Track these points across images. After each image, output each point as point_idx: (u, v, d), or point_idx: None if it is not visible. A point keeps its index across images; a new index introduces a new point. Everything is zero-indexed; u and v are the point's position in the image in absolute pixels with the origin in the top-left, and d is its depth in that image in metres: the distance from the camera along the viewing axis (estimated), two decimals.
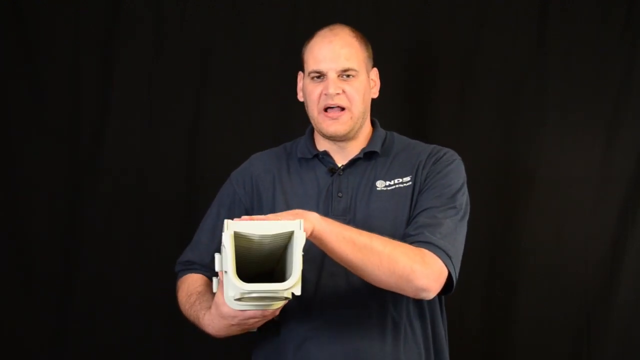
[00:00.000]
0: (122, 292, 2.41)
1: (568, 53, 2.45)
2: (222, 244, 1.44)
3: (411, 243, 1.63)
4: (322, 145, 1.83)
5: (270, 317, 1.58)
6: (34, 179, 2.43)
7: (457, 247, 1.69)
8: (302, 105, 1.87)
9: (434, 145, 1.83)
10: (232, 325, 1.56)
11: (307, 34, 1.84)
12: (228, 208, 1.84)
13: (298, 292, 1.42)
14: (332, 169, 1.79)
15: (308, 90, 1.79)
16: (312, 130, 1.87)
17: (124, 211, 2.45)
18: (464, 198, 1.74)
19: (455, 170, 1.76)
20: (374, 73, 1.86)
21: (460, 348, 2.46)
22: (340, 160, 1.81)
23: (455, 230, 1.69)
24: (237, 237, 1.42)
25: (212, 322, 1.60)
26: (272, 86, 2.47)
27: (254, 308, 1.49)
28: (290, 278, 1.40)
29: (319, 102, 1.77)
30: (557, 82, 2.45)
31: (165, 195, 2.45)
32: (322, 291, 1.69)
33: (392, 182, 1.76)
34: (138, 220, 2.45)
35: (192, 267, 1.85)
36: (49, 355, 2.42)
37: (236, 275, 1.38)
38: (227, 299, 1.50)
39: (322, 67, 1.76)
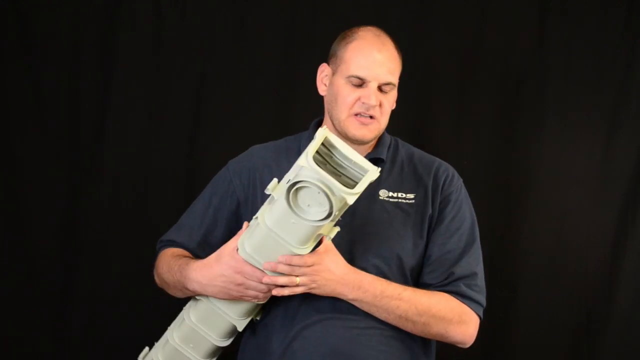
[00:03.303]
0: (122, 293, 2.41)
1: (568, 53, 2.45)
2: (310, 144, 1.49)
3: (449, 293, 1.69)
4: None
5: (262, 300, 1.65)
6: (34, 179, 2.43)
7: (484, 286, 1.75)
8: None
9: (438, 162, 1.81)
10: (223, 275, 1.59)
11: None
12: (220, 197, 1.82)
13: (351, 201, 1.48)
14: None
15: (343, 93, 1.73)
16: (316, 125, 1.83)
17: (124, 211, 2.45)
18: (475, 225, 1.78)
19: (466, 198, 1.79)
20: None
21: (460, 348, 2.46)
22: None
23: (481, 267, 1.75)
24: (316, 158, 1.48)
25: (205, 266, 1.63)
26: (272, 86, 2.47)
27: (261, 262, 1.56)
28: (357, 187, 1.48)
29: (352, 107, 1.72)
30: (557, 82, 2.45)
31: (165, 196, 2.45)
32: (312, 294, 1.66)
33: (395, 195, 1.75)
34: (138, 221, 2.45)
35: (174, 245, 1.83)
36: (49, 355, 2.43)
37: (311, 157, 1.45)
38: (241, 248, 1.57)
39: (366, 75, 1.71)
